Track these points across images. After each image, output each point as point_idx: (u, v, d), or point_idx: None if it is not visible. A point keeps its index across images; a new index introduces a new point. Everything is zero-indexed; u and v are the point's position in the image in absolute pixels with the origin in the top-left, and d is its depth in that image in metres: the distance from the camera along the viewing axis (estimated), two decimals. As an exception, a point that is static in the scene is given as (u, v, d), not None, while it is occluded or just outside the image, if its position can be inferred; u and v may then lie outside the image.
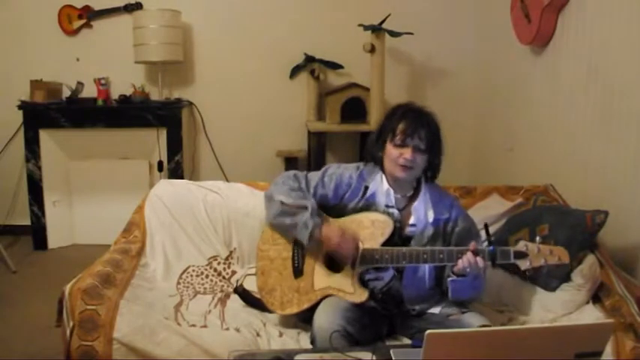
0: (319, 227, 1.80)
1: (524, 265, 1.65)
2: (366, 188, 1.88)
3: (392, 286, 1.86)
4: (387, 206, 1.86)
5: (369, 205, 1.87)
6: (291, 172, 1.97)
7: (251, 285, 2.02)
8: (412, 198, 1.88)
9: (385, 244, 1.79)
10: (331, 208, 1.92)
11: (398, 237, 1.84)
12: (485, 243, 1.74)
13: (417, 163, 1.80)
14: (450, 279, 1.75)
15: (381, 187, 1.87)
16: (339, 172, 1.92)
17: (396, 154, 1.79)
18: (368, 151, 1.93)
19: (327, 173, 1.94)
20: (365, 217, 1.84)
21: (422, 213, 1.85)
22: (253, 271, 2.01)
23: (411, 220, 1.85)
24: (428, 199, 1.86)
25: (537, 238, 1.66)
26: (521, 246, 1.65)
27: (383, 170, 1.88)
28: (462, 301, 1.82)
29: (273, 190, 1.92)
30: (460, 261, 1.68)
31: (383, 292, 1.86)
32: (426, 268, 1.83)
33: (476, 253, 1.67)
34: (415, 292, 1.86)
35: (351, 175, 1.91)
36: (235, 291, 2.08)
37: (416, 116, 1.82)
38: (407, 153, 1.77)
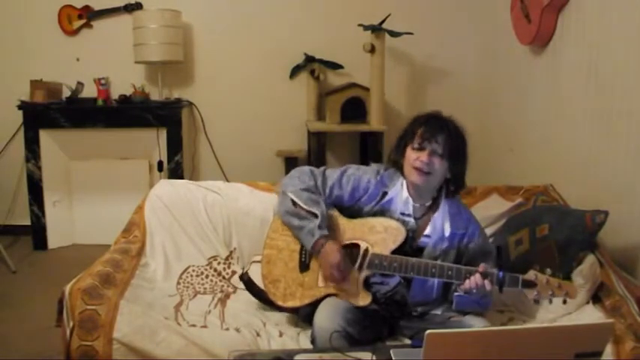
0: (324, 239, 1.79)
1: (531, 294, 1.63)
2: (385, 194, 1.86)
3: (397, 292, 1.86)
4: (403, 214, 1.84)
5: (384, 211, 1.85)
6: (308, 168, 1.95)
7: (256, 274, 2.02)
8: (431, 208, 1.86)
9: (396, 251, 1.78)
10: (346, 208, 1.91)
11: (409, 247, 1.82)
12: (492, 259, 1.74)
13: (435, 169, 1.76)
14: (456, 294, 1.74)
15: (400, 194, 1.85)
16: (357, 175, 1.90)
17: (413, 157, 1.78)
18: (389, 156, 1.91)
19: (345, 174, 1.91)
20: (378, 222, 1.83)
21: (439, 225, 1.83)
22: (259, 258, 2.00)
23: (427, 231, 1.83)
24: (447, 212, 1.84)
25: (548, 270, 1.64)
26: (531, 275, 1.64)
27: (404, 176, 1.86)
28: (465, 311, 1.81)
29: (288, 185, 1.90)
30: (467, 281, 1.66)
31: (387, 296, 1.86)
32: (434, 280, 1.81)
33: (485, 275, 1.66)
34: (421, 299, 1.85)
35: (370, 180, 1.88)
36: (240, 278, 2.08)
37: (438, 122, 1.80)
38: (423, 156, 1.76)
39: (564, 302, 1.69)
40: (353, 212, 1.90)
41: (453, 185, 1.86)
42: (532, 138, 3.01)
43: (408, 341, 1.83)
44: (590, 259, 1.94)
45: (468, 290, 1.67)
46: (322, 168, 1.97)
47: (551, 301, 1.92)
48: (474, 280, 1.65)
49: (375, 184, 1.87)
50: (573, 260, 1.92)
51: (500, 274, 1.66)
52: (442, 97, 3.93)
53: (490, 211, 2.38)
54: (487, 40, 3.75)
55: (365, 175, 1.90)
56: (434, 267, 1.71)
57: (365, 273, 1.80)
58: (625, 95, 2.13)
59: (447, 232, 1.82)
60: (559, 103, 2.68)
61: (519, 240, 2.15)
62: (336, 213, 1.90)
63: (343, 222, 1.89)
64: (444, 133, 1.77)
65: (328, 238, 1.79)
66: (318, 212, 1.81)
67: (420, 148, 1.77)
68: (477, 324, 1.73)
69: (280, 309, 1.94)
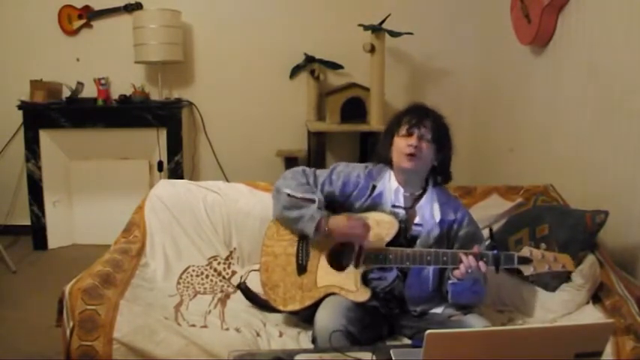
0: (326, 219, 1.80)
1: (527, 270, 1.64)
2: (374, 187, 1.88)
3: (395, 287, 1.87)
4: (394, 206, 1.86)
5: (375, 205, 1.87)
6: (300, 168, 1.98)
7: (255, 282, 2.03)
8: (420, 197, 1.88)
9: (390, 244, 1.79)
10: (338, 206, 1.92)
11: (403, 237, 1.83)
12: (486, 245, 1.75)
13: (423, 152, 1.80)
14: (450, 282, 1.75)
15: (389, 185, 1.87)
16: (347, 171, 1.93)
17: (402, 143, 1.80)
18: (377, 150, 1.93)
19: (335, 171, 1.94)
20: (370, 217, 1.84)
21: (428, 213, 1.84)
22: (257, 267, 2.01)
23: (417, 220, 1.85)
24: (435, 200, 1.86)
25: (542, 245, 1.66)
26: (526, 251, 1.65)
27: (392, 168, 1.88)
28: (462, 304, 1.81)
29: (281, 184, 1.93)
30: (462, 264, 1.67)
31: (385, 291, 1.87)
32: (430, 270, 1.83)
33: (480, 257, 1.67)
34: (418, 293, 1.86)
35: (359, 174, 1.91)
36: (238, 287, 2.08)
37: (422, 109, 1.85)
38: (412, 139, 1.79)
39: (567, 280, 1.67)
40: (344, 210, 1.91)
41: (439, 174, 1.89)
42: (532, 138, 3.01)
43: (408, 341, 1.84)
44: (590, 259, 1.94)
45: (462, 274, 1.67)
46: (313, 168, 1.99)
47: (554, 289, 1.93)
48: (467, 262, 1.66)
49: (365, 178, 1.90)
50: (573, 260, 1.92)
51: (496, 252, 1.67)
52: (442, 97, 3.91)
53: (490, 211, 2.38)
54: (487, 40, 3.75)
55: (354, 170, 1.93)
56: (429, 254, 1.73)
57: (362, 268, 1.81)
58: (625, 95, 2.13)
59: (438, 219, 1.84)
60: (559, 103, 2.68)
61: (519, 240, 2.16)
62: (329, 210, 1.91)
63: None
64: (429, 118, 1.82)
65: (329, 216, 1.82)
66: (315, 197, 1.84)
67: (408, 134, 1.80)
68: (477, 324, 1.73)
69: (281, 312, 1.94)
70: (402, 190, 1.87)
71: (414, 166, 1.81)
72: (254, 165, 4.02)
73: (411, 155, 1.79)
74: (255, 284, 2.03)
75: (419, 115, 1.82)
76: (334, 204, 1.92)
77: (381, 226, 1.81)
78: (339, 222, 1.80)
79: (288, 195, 1.87)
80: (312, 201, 1.83)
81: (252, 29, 3.96)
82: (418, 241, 1.83)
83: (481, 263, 1.66)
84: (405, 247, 1.78)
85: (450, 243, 1.85)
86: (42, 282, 3.19)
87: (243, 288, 2.07)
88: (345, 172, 1.93)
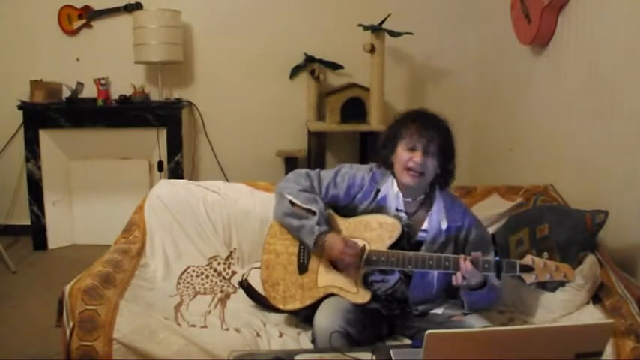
0: (325, 235, 1.80)
1: (529, 279, 1.64)
2: (378, 191, 1.88)
3: (397, 289, 1.87)
4: (398, 210, 1.85)
5: (380, 208, 1.86)
6: (304, 170, 1.97)
7: (256, 280, 2.02)
8: (424, 203, 1.87)
9: (393, 247, 1.79)
10: (342, 208, 1.92)
11: (407, 242, 1.83)
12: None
13: (428, 169, 1.78)
14: (462, 292, 1.75)
15: (391, 190, 1.87)
16: (352, 173, 1.92)
17: (406, 157, 1.78)
18: (378, 154, 1.91)
19: (339, 173, 1.93)
20: (373, 219, 1.84)
21: (435, 219, 1.84)
22: (259, 265, 2.01)
23: (424, 226, 1.84)
24: (442, 207, 1.85)
25: (544, 254, 1.66)
26: (528, 260, 1.65)
27: (394, 174, 1.87)
28: (479, 309, 1.80)
29: (284, 188, 1.92)
30: (458, 272, 1.66)
31: (388, 293, 1.87)
32: (434, 274, 1.82)
33: (482, 263, 1.66)
34: (421, 295, 1.86)
35: (364, 177, 1.90)
36: (240, 284, 2.08)
37: (427, 120, 1.81)
38: (417, 156, 1.76)
39: (563, 285, 1.68)
40: (348, 212, 1.91)
41: (443, 178, 1.86)
42: (532, 138, 3.01)
43: (408, 341, 1.84)
44: (590, 259, 1.94)
45: (458, 279, 1.67)
46: (317, 170, 1.98)
47: (554, 289, 1.93)
48: (464, 266, 1.65)
49: (369, 181, 1.89)
50: (573, 260, 1.92)
51: (497, 259, 1.67)
52: (442, 97, 3.93)
53: (490, 211, 2.38)
54: (487, 40, 3.75)
55: (359, 172, 1.92)
56: (431, 259, 1.72)
57: (363, 270, 1.81)
58: (625, 95, 2.13)
59: (444, 226, 1.83)
60: (559, 103, 2.68)
61: (519, 240, 2.16)
62: (332, 213, 1.91)
63: (339, 221, 1.89)
64: (435, 131, 1.78)
65: (328, 232, 1.80)
66: (316, 209, 1.82)
67: (413, 148, 1.78)
68: (477, 324, 1.73)
69: (281, 312, 1.94)
70: (401, 195, 1.86)
71: (417, 184, 1.80)
72: (254, 165, 4.02)
73: (413, 171, 1.77)
74: (256, 282, 2.03)
75: (425, 127, 1.77)
76: (339, 206, 1.92)
77: (384, 228, 1.81)
78: (335, 243, 1.78)
79: (291, 203, 1.87)
80: (313, 213, 1.82)
81: (252, 29, 3.96)
82: (423, 247, 1.82)
83: (467, 262, 1.65)
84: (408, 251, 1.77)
85: (460, 249, 1.84)
86: (42, 282, 3.19)
87: (245, 285, 2.07)
88: (349, 175, 1.92)
